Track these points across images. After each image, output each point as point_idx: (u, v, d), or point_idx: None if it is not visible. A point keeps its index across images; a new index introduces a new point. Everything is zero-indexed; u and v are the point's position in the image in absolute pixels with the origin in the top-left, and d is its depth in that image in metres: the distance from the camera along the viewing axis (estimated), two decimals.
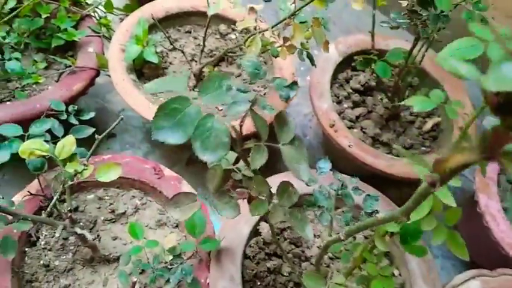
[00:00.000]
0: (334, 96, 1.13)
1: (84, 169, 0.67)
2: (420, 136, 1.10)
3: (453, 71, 0.24)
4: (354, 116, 1.10)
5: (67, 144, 0.67)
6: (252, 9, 0.78)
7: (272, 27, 0.78)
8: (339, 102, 1.12)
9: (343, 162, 1.06)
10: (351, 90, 1.14)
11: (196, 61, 1.08)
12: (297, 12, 0.73)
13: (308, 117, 1.36)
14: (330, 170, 0.62)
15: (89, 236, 0.69)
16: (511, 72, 0.23)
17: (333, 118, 1.03)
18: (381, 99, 1.15)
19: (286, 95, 0.47)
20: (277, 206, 0.52)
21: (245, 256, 0.82)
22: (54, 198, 0.66)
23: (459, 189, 1.24)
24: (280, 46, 0.83)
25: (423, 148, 1.08)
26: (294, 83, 0.47)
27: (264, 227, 0.86)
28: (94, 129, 0.84)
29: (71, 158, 0.68)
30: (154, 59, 0.97)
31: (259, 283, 0.80)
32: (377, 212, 0.61)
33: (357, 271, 0.68)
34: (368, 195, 0.60)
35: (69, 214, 0.68)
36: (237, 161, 0.58)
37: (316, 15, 0.79)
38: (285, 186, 0.54)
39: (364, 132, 1.08)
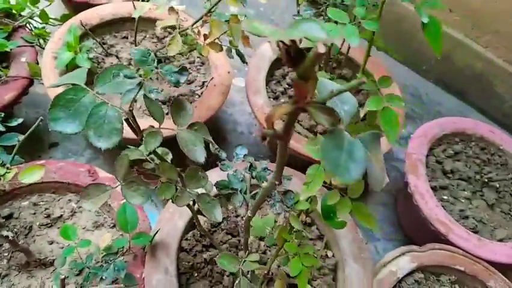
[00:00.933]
0: (271, 92, 1.17)
1: (6, 172, 0.68)
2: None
3: (254, 31, 0.27)
4: None
5: None
6: (172, 9, 0.80)
7: (192, 25, 0.81)
8: (276, 98, 1.16)
9: None
10: (287, 86, 1.18)
11: (132, 65, 1.10)
12: (212, 10, 0.77)
13: (253, 116, 1.39)
14: (245, 155, 0.65)
15: (10, 234, 0.69)
16: (304, 28, 0.27)
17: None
18: None
19: (176, 80, 0.50)
20: (184, 190, 0.55)
21: (181, 249, 0.84)
22: None
23: (400, 174, 1.30)
24: (209, 44, 0.86)
25: None
26: (183, 69, 0.49)
27: (201, 220, 0.88)
28: (24, 136, 0.84)
29: None
30: (87, 65, 0.99)
31: (196, 274, 0.82)
32: (291, 191, 0.64)
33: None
34: None
35: None
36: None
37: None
38: (193, 172, 0.56)
39: (300, 125, 1.12)
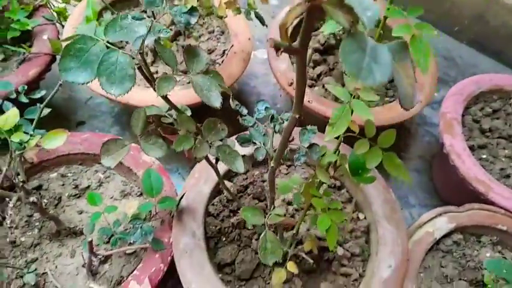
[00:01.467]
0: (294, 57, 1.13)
1: (30, 139, 0.68)
2: (383, 87, 1.10)
3: None
4: (315, 74, 1.10)
5: (11, 116, 0.68)
6: None
7: None
8: None
9: (308, 119, 1.06)
10: (311, 51, 1.14)
11: None
12: None
13: (278, 87, 1.36)
14: (266, 108, 0.62)
15: (35, 197, 0.69)
16: None
17: (292, 77, 1.03)
18: None
19: (186, 21, 0.47)
20: (203, 141, 0.53)
21: (208, 214, 0.82)
22: (4, 170, 0.67)
23: (434, 139, 1.24)
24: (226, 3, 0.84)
25: (386, 98, 1.08)
26: (194, 9, 0.47)
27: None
28: (44, 103, 0.83)
29: (17, 129, 0.69)
30: None
31: (224, 239, 0.80)
32: (316, 145, 0.61)
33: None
34: (305, 128, 0.61)
35: (21, 184, 0.69)
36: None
37: None
38: (212, 123, 0.54)
39: (326, 90, 1.08)
